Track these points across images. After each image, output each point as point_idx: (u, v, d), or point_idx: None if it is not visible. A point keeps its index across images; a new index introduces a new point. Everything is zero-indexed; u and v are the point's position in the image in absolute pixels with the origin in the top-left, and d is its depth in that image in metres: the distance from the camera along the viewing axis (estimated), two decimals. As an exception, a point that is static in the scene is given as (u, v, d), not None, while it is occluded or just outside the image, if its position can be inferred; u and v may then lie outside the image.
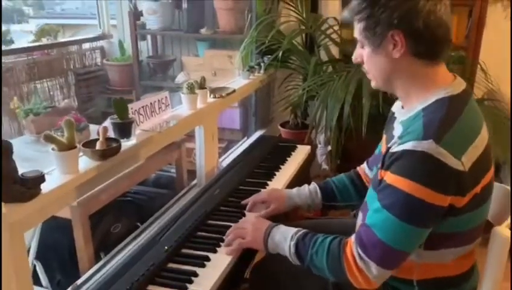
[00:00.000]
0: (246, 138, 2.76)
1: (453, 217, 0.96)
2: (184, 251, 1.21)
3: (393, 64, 1.01)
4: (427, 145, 0.90)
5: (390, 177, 0.95)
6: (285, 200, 1.40)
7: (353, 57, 1.11)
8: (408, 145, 0.92)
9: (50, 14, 5.46)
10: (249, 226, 1.21)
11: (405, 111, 1.06)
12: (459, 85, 1.02)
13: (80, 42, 3.43)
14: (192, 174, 2.04)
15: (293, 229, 1.12)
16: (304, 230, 1.12)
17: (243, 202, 1.45)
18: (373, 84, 1.10)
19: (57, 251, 1.64)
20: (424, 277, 1.06)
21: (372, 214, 0.99)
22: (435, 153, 0.89)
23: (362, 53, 1.06)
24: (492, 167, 1.02)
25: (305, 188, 1.41)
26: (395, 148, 0.95)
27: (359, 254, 0.97)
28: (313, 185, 1.40)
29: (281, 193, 1.44)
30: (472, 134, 0.96)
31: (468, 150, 0.92)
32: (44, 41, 3.26)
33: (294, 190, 1.42)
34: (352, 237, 1.01)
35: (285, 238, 1.11)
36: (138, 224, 1.71)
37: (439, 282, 1.06)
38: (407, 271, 1.06)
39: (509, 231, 1.00)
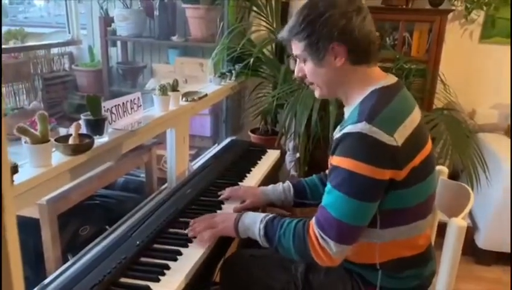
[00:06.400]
0: (216, 144, 2.79)
1: (398, 191, 1.04)
2: (156, 245, 1.22)
3: (336, 73, 1.13)
4: (361, 126, 1.00)
5: (335, 160, 1.05)
6: (260, 196, 1.48)
7: (295, 72, 1.22)
8: (346, 129, 1.03)
9: (13, 22, 5.32)
10: (218, 217, 1.28)
11: (346, 109, 1.17)
12: (391, 79, 1.15)
13: (48, 47, 3.39)
14: (161, 181, 2.04)
15: (262, 214, 1.20)
16: (273, 214, 1.19)
17: (220, 193, 1.53)
18: (317, 93, 1.21)
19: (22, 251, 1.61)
20: (386, 258, 1.13)
21: (326, 195, 1.07)
22: (368, 131, 0.99)
23: (303, 67, 1.18)
24: (428, 145, 1.12)
25: (279, 185, 1.48)
26: (337, 135, 1.07)
27: (320, 234, 1.05)
28: (287, 183, 1.48)
29: (257, 189, 1.52)
30: (401, 116, 1.06)
31: (398, 128, 1.02)
32: (11, 44, 3.20)
33: (270, 187, 1.50)
34: (313, 219, 1.08)
35: (254, 221, 1.18)
36: (107, 227, 1.69)
37: (400, 263, 1.13)
38: (370, 256, 1.13)
39: (465, 222, 1.07)
